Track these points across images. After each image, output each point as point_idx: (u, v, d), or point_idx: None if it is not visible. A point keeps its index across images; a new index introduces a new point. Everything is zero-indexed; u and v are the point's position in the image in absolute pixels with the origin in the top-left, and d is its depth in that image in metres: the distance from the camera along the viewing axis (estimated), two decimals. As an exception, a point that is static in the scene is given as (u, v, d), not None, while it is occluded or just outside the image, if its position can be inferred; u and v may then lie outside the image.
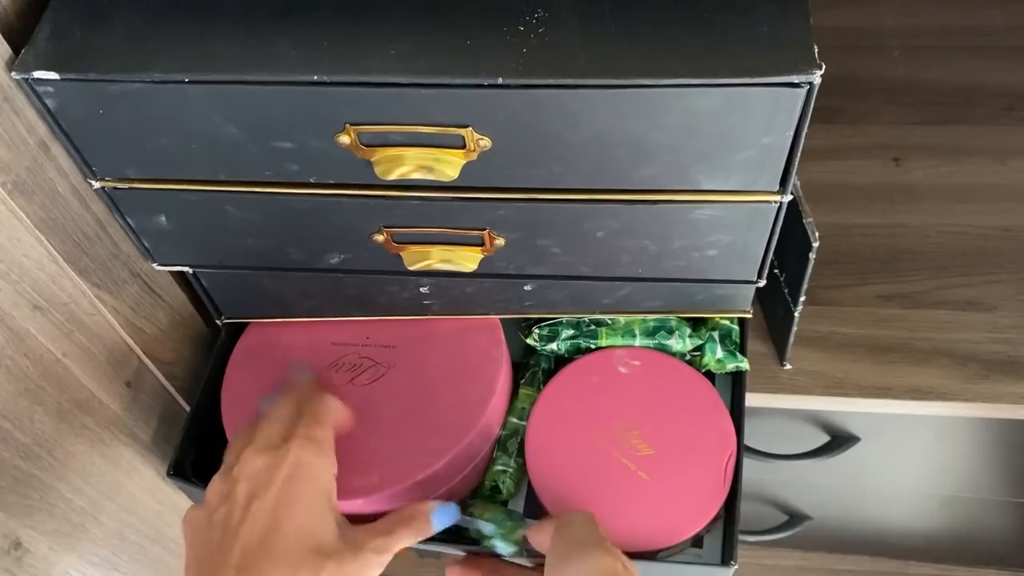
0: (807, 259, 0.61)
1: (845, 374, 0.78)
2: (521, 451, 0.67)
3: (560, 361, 0.72)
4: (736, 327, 0.70)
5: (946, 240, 0.85)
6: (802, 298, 0.66)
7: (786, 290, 0.68)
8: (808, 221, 0.59)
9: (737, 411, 0.67)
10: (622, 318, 0.69)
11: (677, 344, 0.69)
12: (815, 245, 0.59)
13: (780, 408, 0.68)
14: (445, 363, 0.66)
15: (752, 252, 0.58)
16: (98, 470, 0.64)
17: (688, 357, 0.70)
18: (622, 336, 0.69)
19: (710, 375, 0.70)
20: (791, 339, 0.71)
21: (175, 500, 0.76)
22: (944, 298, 0.81)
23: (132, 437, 0.68)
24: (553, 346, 0.69)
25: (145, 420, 0.69)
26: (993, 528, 1.14)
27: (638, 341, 0.69)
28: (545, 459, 0.65)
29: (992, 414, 0.77)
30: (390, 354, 0.67)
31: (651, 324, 0.69)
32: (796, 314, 0.68)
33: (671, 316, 0.69)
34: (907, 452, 0.99)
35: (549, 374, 0.70)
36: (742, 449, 0.65)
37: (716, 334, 0.69)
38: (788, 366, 0.69)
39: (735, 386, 0.70)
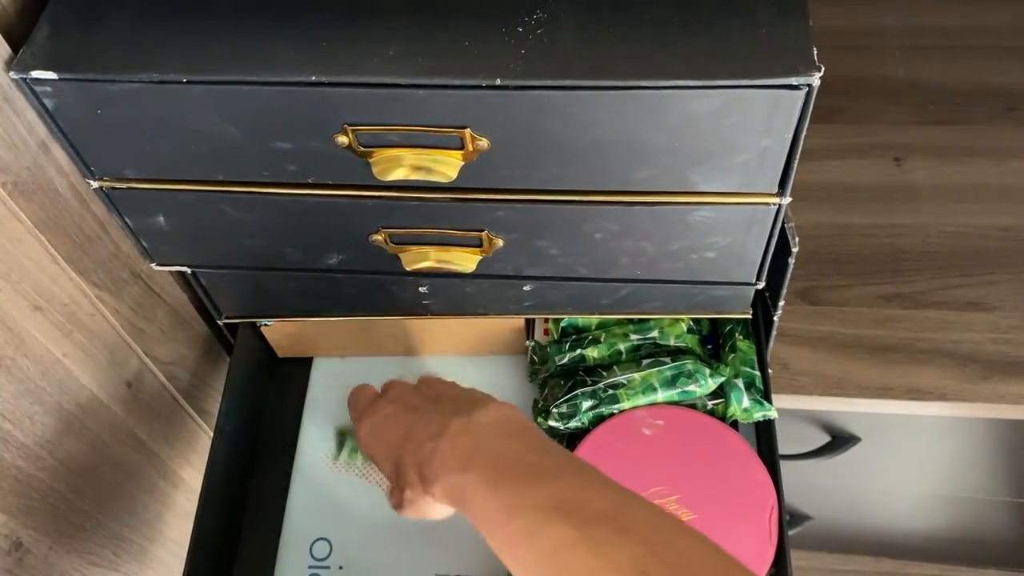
0: (787, 263, 0.61)
1: (846, 374, 0.78)
2: None
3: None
4: (758, 373, 0.68)
5: (947, 240, 0.85)
6: (781, 302, 0.66)
7: (767, 294, 0.68)
8: (789, 226, 0.58)
9: (771, 460, 0.65)
10: (638, 375, 0.67)
11: (699, 388, 0.66)
12: (795, 250, 0.59)
13: (781, 408, 0.67)
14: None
15: (751, 254, 0.58)
16: (98, 471, 0.65)
17: (710, 407, 0.68)
18: (643, 393, 0.66)
19: (733, 424, 0.67)
20: (771, 343, 0.70)
21: (175, 500, 0.76)
22: (944, 298, 0.81)
23: (132, 437, 0.68)
24: (576, 422, 0.67)
25: (145, 420, 0.69)
26: (993, 528, 1.14)
27: (660, 395, 0.66)
28: None
29: (993, 414, 0.77)
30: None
31: (668, 374, 0.66)
32: (775, 318, 0.68)
33: (687, 360, 0.67)
34: (908, 452, 0.99)
35: (572, 442, 0.67)
36: (783, 499, 0.63)
37: (740, 382, 0.67)
38: (770, 370, 0.69)
39: (763, 434, 0.68)
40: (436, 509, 0.55)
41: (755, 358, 0.69)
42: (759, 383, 0.68)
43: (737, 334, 0.70)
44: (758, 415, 0.67)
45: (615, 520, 0.44)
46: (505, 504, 0.47)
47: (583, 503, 0.45)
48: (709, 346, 0.73)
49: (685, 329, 0.70)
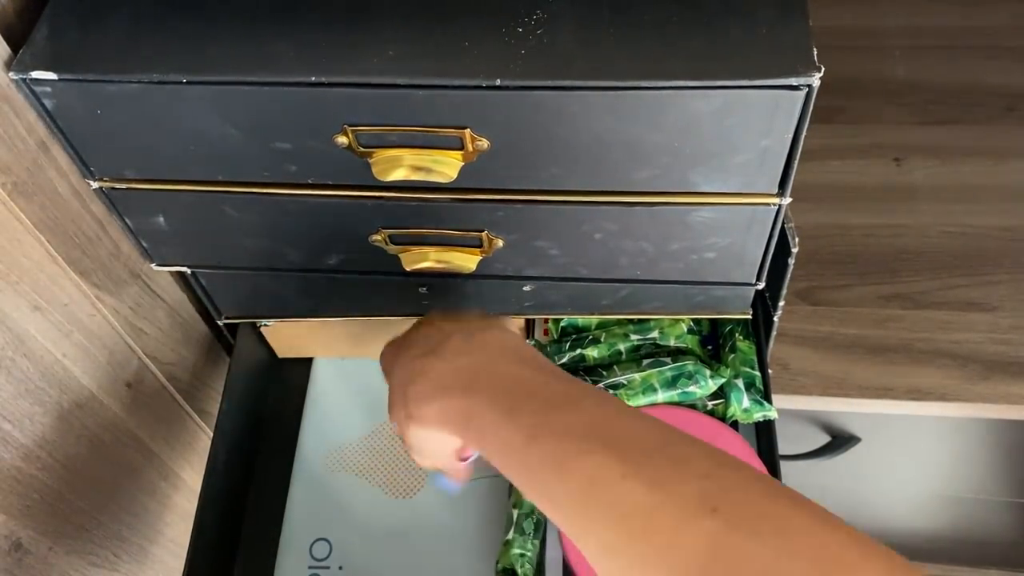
0: (787, 264, 0.61)
1: (846, 374, 0.78)
2: (538, 531, 0.64)
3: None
4: (758, 373, 0.68)
5: (946, 240, 0.85)
6: (781, 303, 0.66)
7: (767, 294, 0.68)
8: (789, 226, 0.58)
9: (771, 460, 0.65)
10: (638, 376, 0.66)
11: (700, 390, 0.66)
12: (794, 250, 0.59)
13: (781, 408, 0.67)
14: None
15: (751, 254, 0.58)
16: (98, 471, 0.65)
17: (710, 407, 0.68)
18: (643, 393, 0.66)
19: (733, 424, 0.67)
20: (771, 343, 0.70)
21: (175, 500, 0.76)
22: (944, 298, 0.81)
23: (132, 438, 0.68)
24: None
25: (145, 420, 0.69)
26: (994, 528, 1.14)
27: (660, 395, 0.66)
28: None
29: (993, 415, 0.77)
30: None
31: (669, 375, 0.66)
32: (775, 319, 0.68)
33: (687, 361, 0.67)
34: (908, 452, 0.99)
35: None
36: None
37: (740, 382, 0.67)
38: (770, 370, 0.69)
39: (763, 434, 0.68)
40: (432, 440, 0.48)
41: (755, 358, 0.69)
42: (759, 383, 0.68)
43: (737, 334, 0.70)
44: (758, 415, 0.67)
45: (666, 451, 0.39)
46: (524, 429, 0.42)
47: (623, 431, 0.40)
48: (709, 347, 0.73)
49: (685, 330, 0.70)
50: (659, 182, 0.52)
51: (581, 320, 0.72)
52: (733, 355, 0.69)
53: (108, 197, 0.57)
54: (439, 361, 0.47)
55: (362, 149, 0.51)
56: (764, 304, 0.69)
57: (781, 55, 0.46)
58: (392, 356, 0.53)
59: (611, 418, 0.41)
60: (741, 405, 0.66)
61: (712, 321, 0.74)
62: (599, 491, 0.38)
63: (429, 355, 0.48)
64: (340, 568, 0.67)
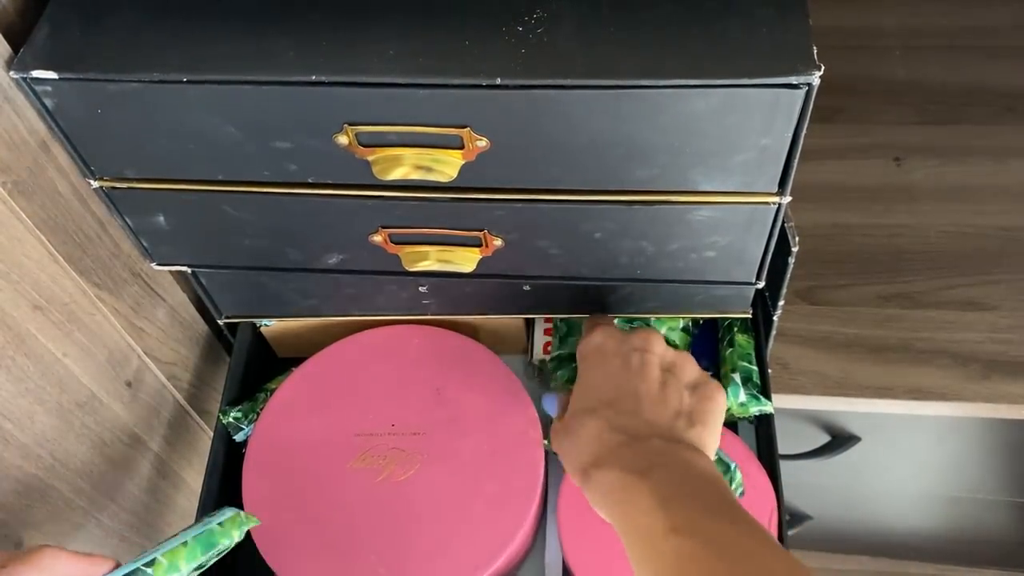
0: (786, 263, 0.61)
1: (846, 374, 0.78)
2: None
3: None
4: (755, 368, 0.68)
5: (946, 240, 0.85)
6: (781, 302, 0.66)
7: (766, 293, 0.68)
8: (789, 225, 0.58)
9: (771, 461, 0.64)
10: None
11: None
12: (794, 250, 0.59)
13: (780, 408, 0.68)
14: (481, 449, 0.63)
15: (750, 253, 0.58)
16: (98, 470, 0.65)
17: None
18: None
19: (732, 424, 0.67)
20: (771, 343, 0.70)
21: (175, 500, 0.76)
22: (944, 298, 0.81)
23: (132, 437, 0.68)
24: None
25: (145, 420, 0.69)
26: (993, 528, 1.14)
27: None
28: (581, 539, 0.62)
29: (992, 414, 0.77)
30: (419, 442, 0.63)
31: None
32: (775, 318, 0.68)
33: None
34: (907, 452, 1.00)
35: None
36: (783, 500, 0.62)
37: (737, 376, 0.67)
38: (769, 369, 0.69)
39: (763, 434, 0.68)
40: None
41: (752, 352, 0.69)
42: (756, 378, 0.68)
43: (736, 328, 0.70)
44: (754, 410, 0.67)
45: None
46: (669, 522, 0.46)
47: (736, 544, 0.47)
48: (706, 363, 0.72)
49: (680, 325, 0.70)
50: (659, 181, 0.52)
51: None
52: (731, 349, 0.69)
53: (108, 196, 0.57)
54: (637, 445, 0.51)
55: (362, 148, 0.51)
56: (764, 303, 0.69)
57: (781, 54, 0.46)
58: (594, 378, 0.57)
59: (743, 535, 0.48)
60: (737, 399, 0.66)
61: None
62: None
63: (632, 442, 0.51)
64: (340, 567, 0.67)
